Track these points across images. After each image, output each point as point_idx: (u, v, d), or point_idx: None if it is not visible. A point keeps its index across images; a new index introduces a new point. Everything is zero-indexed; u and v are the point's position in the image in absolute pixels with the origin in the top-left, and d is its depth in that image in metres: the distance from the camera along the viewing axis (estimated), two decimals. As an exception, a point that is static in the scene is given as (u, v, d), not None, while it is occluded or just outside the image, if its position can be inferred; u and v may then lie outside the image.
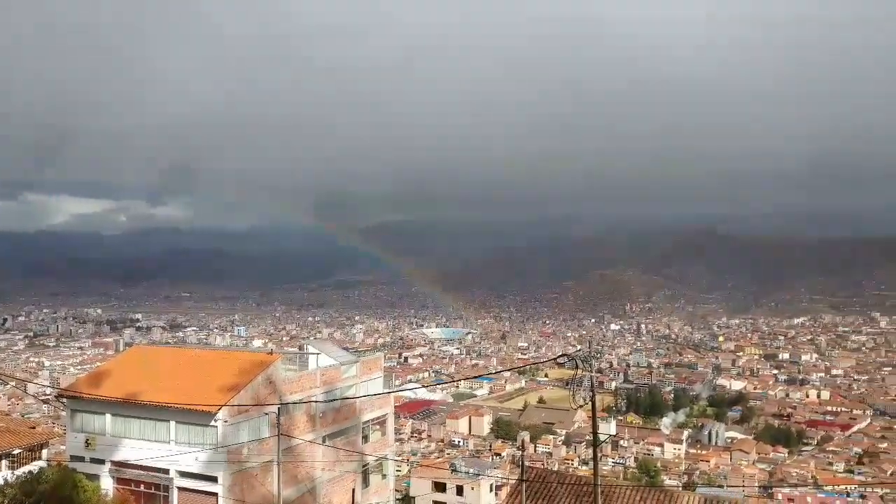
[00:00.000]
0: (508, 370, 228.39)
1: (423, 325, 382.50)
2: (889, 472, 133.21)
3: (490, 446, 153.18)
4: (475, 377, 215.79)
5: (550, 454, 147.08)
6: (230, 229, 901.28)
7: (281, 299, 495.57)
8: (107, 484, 33.15)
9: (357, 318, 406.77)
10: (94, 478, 32.48)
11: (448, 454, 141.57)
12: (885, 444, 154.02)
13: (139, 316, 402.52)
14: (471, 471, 71.94)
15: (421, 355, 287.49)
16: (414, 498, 69.96)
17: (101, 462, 33.49)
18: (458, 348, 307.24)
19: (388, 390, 43.91)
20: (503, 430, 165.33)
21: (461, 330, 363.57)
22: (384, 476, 42.37)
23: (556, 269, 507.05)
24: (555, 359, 23.69)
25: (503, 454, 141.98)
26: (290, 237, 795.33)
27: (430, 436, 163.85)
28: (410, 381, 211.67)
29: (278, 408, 30.67)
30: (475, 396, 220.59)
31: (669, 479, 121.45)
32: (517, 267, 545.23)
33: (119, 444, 33.20)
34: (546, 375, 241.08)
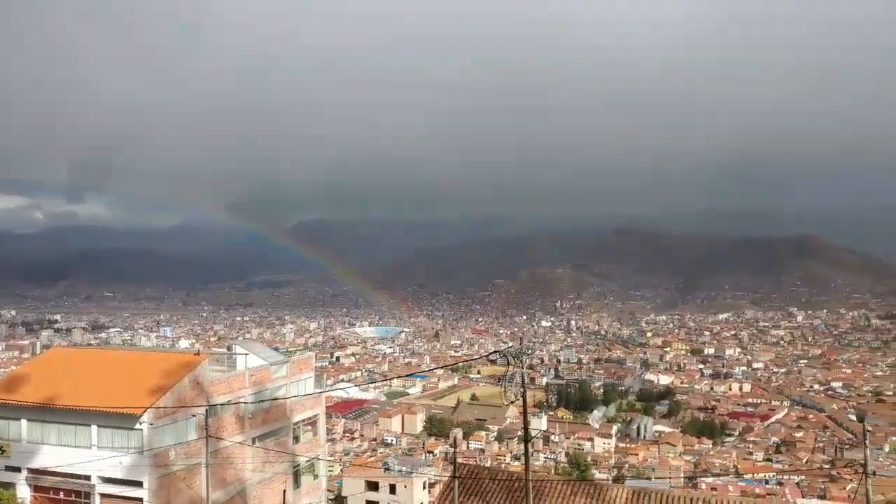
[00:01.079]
0: (441, 368, 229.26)
1: (355, 324, 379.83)
2: (804, 460, 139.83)
3: (423, 444, 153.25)
4: (408, 375, 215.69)
5: (483, 450, 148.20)
6: (153, 228, 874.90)
7: (208, 299, 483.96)
8: (23, 492, 31.65)
9: (287, 317, 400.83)
10: (10, 486, 31.16)
11: (381, 453, 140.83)
12: (800, 433, 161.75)
13: (58, 317, 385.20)
14: (404, 469, 71.67)
15: (353, 354, 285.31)
16: (346, 498, 69.32)
17: (17, 470, 31.93)
18: (391, 347, 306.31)
19: (319, 390, 43.26)
20: (436, 427, 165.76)
21: (394, 328, 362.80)
22: (316, 476, 41.78)
23: (488, 268, 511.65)
24: (487, 356, 23.95)
25: (436, 452, 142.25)
26: (217, 236, 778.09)
27: (362, 435, 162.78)
28: (343, 381, 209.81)
29: (206, 409, 29.77)
30: (408, 395, 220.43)
31: (600, 472, 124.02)
32: (450, 265, 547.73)
33: (36, 451, 31.68)
34: (479, 372, 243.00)
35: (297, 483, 39.15)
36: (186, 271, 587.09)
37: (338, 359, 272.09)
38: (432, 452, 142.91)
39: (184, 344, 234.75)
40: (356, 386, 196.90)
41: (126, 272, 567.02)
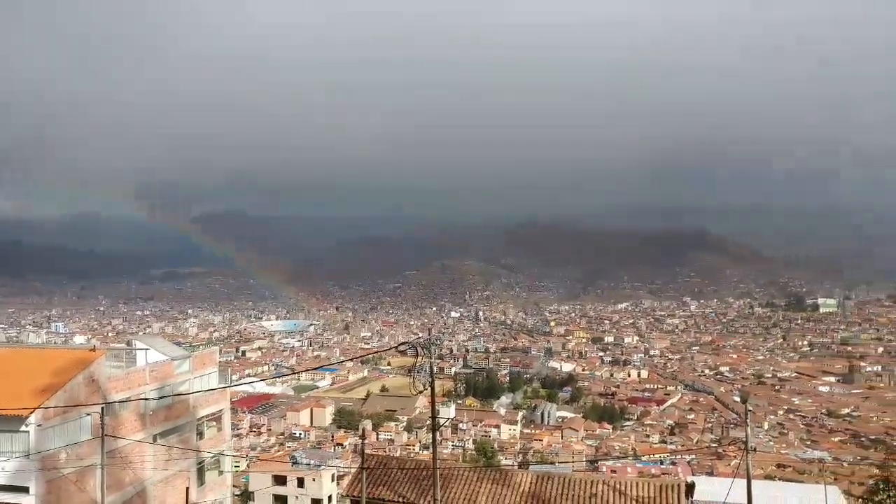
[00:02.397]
0: (351, 360, 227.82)
1: (262, 318, 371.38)
2: (695, 441, 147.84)
3: (332, 437, 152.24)
4: (316, 368, 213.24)
5: (392, 441, 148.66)
6: (45, 218, 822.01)
7: (105, 293, 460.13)
8: None
9: (190, 311, 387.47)
10: None
11: (289, 447, 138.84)
12: (692, 416, 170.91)
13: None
14: (312, 462, 71.08)
15: (260, 348, 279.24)
16: (253, 493, 68.10)
17: None
18: (299, 340, 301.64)
19: (223, 385, 42.27)
20: (345, 419, 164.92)
21: (302, 322, 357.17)
22: (221, 472, 40.86)
23: (398, 261, 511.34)
24: (396, 347, 24.02)
25: (345, 444, 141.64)
26: (116, 227, 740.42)
27: (269, 429, 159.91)
28: (249, 376, 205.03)
29: (102, 408, 28.53)
30: (317, 388, 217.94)
31: (506, 458, 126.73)
32: (361, 259, 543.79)
33: None
34: (389, 364, 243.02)
35: (201, 480, 38.17)
36: (82, 264, 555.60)
37: (244, 353, 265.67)
38: (341, 445, 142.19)
39: (78, 340, 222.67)
40: (263, 380, 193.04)
41: (13, 264, 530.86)
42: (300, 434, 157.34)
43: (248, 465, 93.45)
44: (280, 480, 68.29)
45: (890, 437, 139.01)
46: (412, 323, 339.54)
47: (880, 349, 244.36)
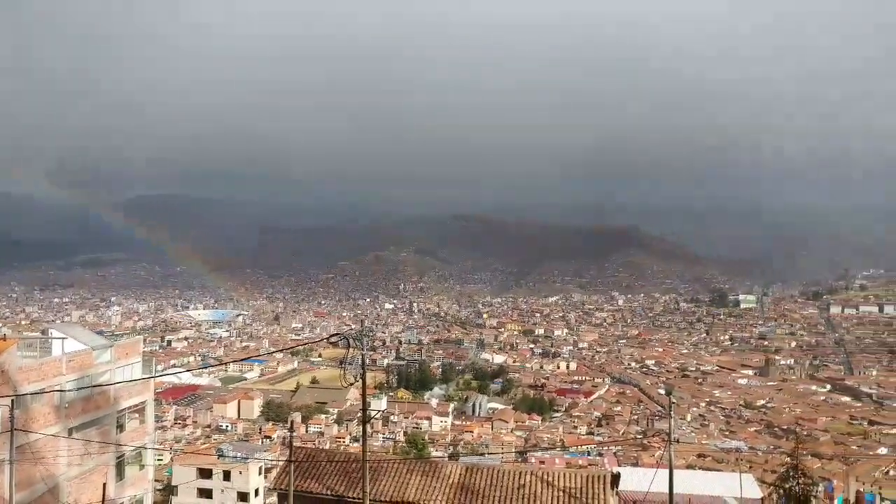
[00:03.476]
0: (280, 351, 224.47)
1: (189, 307, 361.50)
2: (621, 432, 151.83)
3: (260, 429, 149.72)
4: (245, 359, 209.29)
5: (322, 433, 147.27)
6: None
7: (19, 279, 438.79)
8: None
9: (113, 299, 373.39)
10: None
11: (215, 440, 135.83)
12: (619, 408, 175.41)
13: None
14: (239, 455, 69.69)
15: (186, 338, 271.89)
16: (176, 487, 66.25)
17: None
18: (227, 331, 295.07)
19: (147, 376, 40.83)
20: (274, 412, 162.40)
21: (231, 311, 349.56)
22: (142, 466, 39.50)
23: (332, 251, 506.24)
24: (327, 338, 23.68)
25: (274, 436, 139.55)
26: (35, 211, 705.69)
27: (195, 422, 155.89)
28: (174, 366, 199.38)
29: (12, 400, 27.07)
30: (245, 379, 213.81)
31: (436, 450, 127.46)
32: (294, 248, 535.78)
33: None
34: (320, 356, 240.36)
35: (120, 475, 36.79)
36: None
37: (169, 343, 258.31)
38: (269, 437, 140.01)
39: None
40: (189, 371, 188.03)
41: None
42: (227, 426, 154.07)
43: (171, 459, 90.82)
44: (205, 474, 66.64)
45: (800, 426, 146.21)
46: (345, 314, 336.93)
47: (793, 343, 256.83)
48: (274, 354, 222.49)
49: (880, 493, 73.72)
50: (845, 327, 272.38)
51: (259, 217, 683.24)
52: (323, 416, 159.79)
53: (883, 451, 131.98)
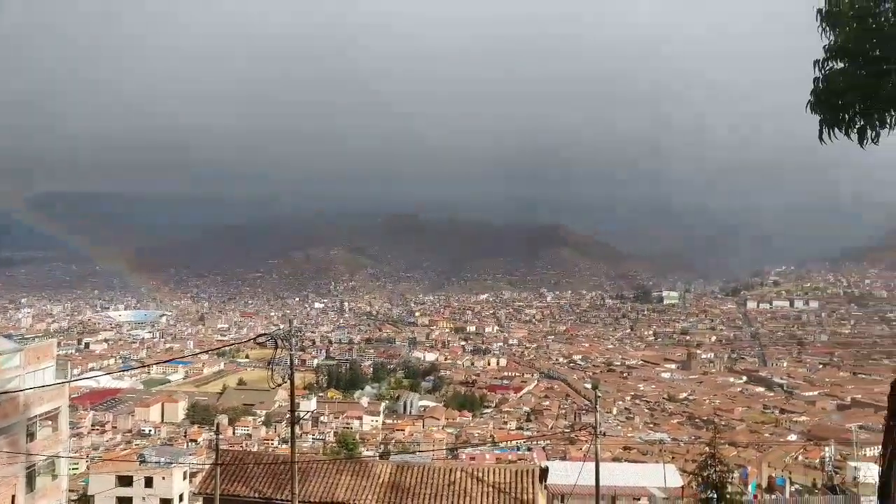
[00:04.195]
0: (206, 352, 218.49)
1: (109, 308, 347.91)
2: (550, 426, 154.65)
3: (185, 433, 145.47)
4: (168, 361, 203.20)
5: (250, 435, 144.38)
6: None
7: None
8: None
9: (24, 300, 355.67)
10: None
11: (136, 445, 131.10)
12: (547, 402, 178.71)
13: None
14: (162, 460, 67.45)
15: (106, 340, 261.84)
16: (93, 496, 63.58)
17: None
18: (150, 332, 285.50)
19: (61, 380, 39.01)
20: (200, 414, 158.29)
21: (154, 312, 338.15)
22: (55, 476, 37.73)
23: (260, 249, 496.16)
24: (254, 338, 23.16)
25: (199, 440, 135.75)
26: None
27: (115, 427, 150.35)
28: (92, 370, 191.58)
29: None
30: (169, 382, 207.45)
31: (367, 450, 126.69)
32: (219, 245, 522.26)
33: None
34: (247, 356, 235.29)
35: (31, 486, 35.02)
36: None
37: (87, 345, 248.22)
38: (195, 441, 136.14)
39: None
40: (108, 374, 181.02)
41: None
42: (149, 431, 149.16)
43: (88, 467, 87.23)
44: (125, 481, 64.16)
45: (719, 417, 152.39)
46: (273, 314, 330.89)
47: (713, 338, 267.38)
48: (199, 356, 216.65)
49: (790, 478, 77.52)
50: (760, 321, 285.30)
51: (183, 213, 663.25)
52: (251, 418, 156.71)
53: (793, 437, 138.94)
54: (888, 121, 11.63)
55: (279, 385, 23.20)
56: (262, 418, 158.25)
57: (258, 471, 27.03)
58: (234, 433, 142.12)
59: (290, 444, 25.01)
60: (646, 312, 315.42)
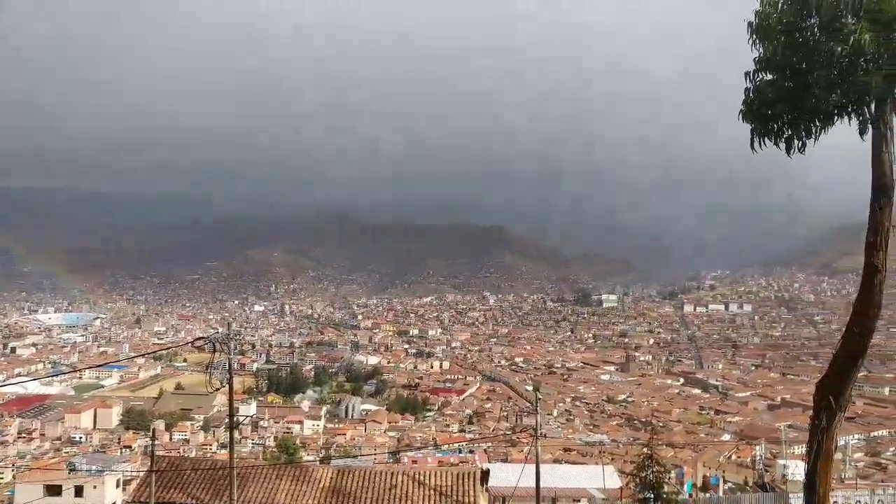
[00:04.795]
0: (142, 356, 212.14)
1: (37, 311, 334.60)
2: (492, 429, 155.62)
3: (119, 439, 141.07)
4: (101, 365, 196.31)
5: (188, 441, 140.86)
6: None
7: None
8: None
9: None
10: None
11: (67, 453, 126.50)
12: (489, 405, 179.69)
13: None
14: (94, 468, 65.20)
15: (34, 344, 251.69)
16: (20, 507, 61.00)
17: None
18: (82, 335, 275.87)
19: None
20: (135, 420, 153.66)
21: (87, 314, 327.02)
22: (-21, 486, 36.08)
23: (198, 250, 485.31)
24: (192, 342, 22.72)
25: (134, 446, 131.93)
26: None
27: (43, 435, 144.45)
28: (19, 375, 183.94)
29: None
30: (102, 387, 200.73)
31: (308, 455, 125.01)
32: (155, 245, 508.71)
33: None
34: (185, 360, 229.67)
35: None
36: None
37: (13, 350, 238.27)
38: (129, 447, 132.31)
39: None
40: (36, 379, 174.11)
41: None
42: (81, 438, 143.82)
43: (14, 477, 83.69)
44: (54, 490, 61.71)
45: (656, 419, 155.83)
46: (212, 317, 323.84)
47: (651, 340, 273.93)
48: (135, 360, 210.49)
49: (723, 476, 80.00)
50: (696, 324, 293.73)
51: (117, 212, 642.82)
52: (188, 423, 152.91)
53: (726, 437, 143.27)
54: (813, 131, 12.22)
55: (218, 389, 22.80)
56: (201, 423, 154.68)
57: (195, 477, 26.45)
58: (170, 439, 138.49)
59: (228, 448, 24.56)
60: (586, 315, 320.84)
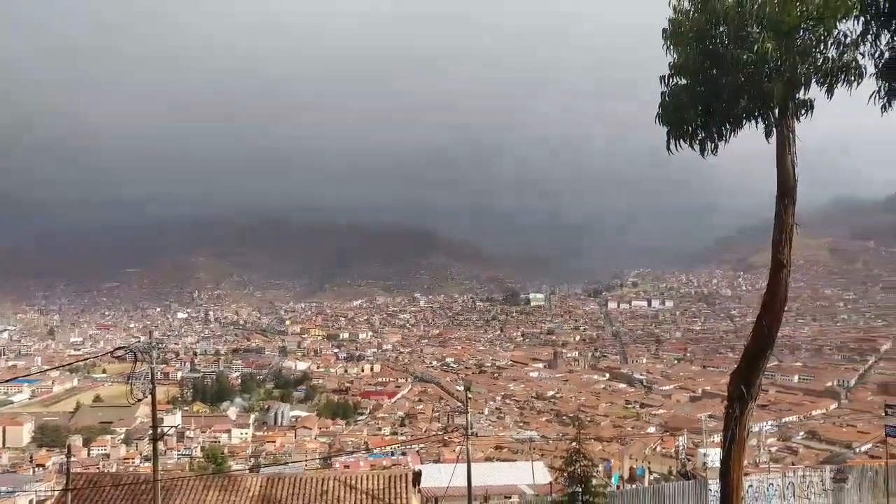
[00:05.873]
0: (56, 368, 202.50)
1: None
2: (424, 430, 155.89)
3: (31, 457, 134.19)
4: (10, 380, 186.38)
5: (108, 455, 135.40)
6: None
7: None
8: None
9: None
10: None
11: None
12: (421, 406, 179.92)
13: None
14: (4, 489, 62.01)
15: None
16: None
17: None
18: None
19: None
20: (49, 436, 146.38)
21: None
22: None
23: (117, 256, 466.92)
24: (111, 352, 21.95)
25: (48, 464, 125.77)
26: None
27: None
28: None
29: None
30: (12, 403, 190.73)
31: (237, 463, 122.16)
32: (69, 253, 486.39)
33: None
34: (104, 371, 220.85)
35: None
36: None
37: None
38: (43, 466, 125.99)
39: None
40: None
41: None
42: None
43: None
44: (-39, 513, 58.44)
45: (584, 414, 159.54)
46: (132, 325, 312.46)
47: (577, 337, 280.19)
48: (48, 373, 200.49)
49: (649, 467, 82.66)
50: (620, 321, 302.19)
51: (27, 217, 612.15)
52: (109, 437, 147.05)
53: (651, 430, 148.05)
54: (725, 134, 12.84)
55: (140, 400, 22.09)
56: (122, 436, 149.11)
57: (117, 493, 25.54)
58: (88, 454, 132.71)
59: (152, 461, 23.83)
60: (514, 314, 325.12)
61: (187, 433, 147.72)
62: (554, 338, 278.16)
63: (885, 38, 10.32)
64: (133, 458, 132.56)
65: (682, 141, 12.62)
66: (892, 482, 29.57)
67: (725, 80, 11.62)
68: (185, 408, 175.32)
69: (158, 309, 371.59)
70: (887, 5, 10.18)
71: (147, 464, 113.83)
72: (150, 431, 24.31)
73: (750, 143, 13.06)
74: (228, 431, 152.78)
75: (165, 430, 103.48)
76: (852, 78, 11.08)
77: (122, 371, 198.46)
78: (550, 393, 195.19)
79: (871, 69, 10.68)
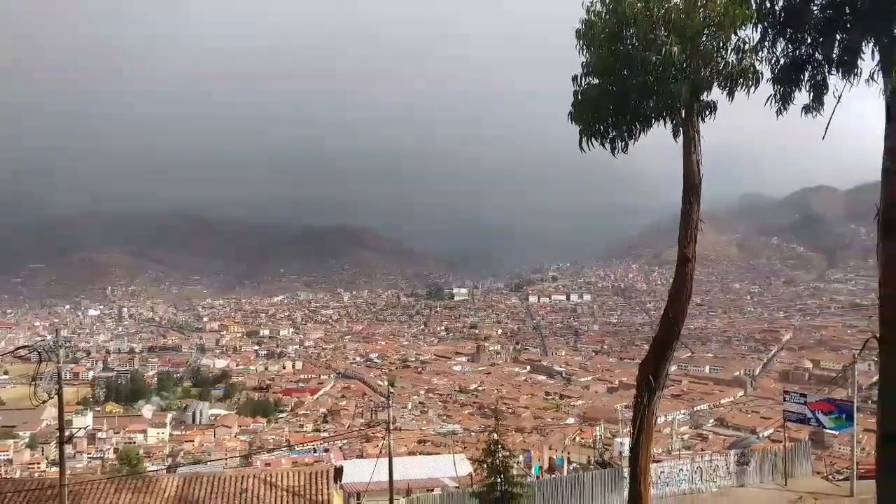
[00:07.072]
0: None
1: None
2: (347, 425, 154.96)
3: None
4: None
5: (11, 461, 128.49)
6: None
7: None
8: None
9: None
10: None
11: None
12: (344, 402, 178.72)
13: None
14: None
15: None
16: None
17: None
18: None
19: None
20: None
21: None
22: None
23: (21, 252, 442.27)
24: (13, 352, 20.98)
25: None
26: None
27: None
28: None
29: None
30: None
31: (153, 464, 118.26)
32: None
33: None
34: (6, 373, 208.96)
35: None
36: None
37: None
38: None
39: None
40: None
41: None
42: None
43: None
44: None
45: (505, 406, 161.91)
46: (38, 324, 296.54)
47: (499, 331, 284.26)
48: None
49: (568, 457, 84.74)
50: (541, 314, 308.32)
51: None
52: (11, 442, 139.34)
53: (570, 420, 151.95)
54: (635, 133, 13.33)
55: (45, 401, 21.14)
56: (26, 440, 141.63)
57: (19, 500, 24.35)
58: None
59: (59, 465, 22.86)
60: (438, 309, 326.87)
61: (99, 434, 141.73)
62: (477, 332, 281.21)
63: (780, 45, 10.92)
64: (38, 464, 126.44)
65: (593, 139, 13.02)
66: (790, 464, 31.43)
67: (635, 80, 12.09)
68: (97, 408, 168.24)
69: (67, 306, 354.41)
70: (783, 15, 10.80)
71: (54, 468, 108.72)
72: (58, 434, 23.32)
73: (668, 140, 13.56)
74: (144, 431, 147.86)
75: (74, 431, 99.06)
76: (751, 82, 11.73)
77: (27, 372, 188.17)
78: (473, 386, 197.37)
79: (767, 74, 11.29)
